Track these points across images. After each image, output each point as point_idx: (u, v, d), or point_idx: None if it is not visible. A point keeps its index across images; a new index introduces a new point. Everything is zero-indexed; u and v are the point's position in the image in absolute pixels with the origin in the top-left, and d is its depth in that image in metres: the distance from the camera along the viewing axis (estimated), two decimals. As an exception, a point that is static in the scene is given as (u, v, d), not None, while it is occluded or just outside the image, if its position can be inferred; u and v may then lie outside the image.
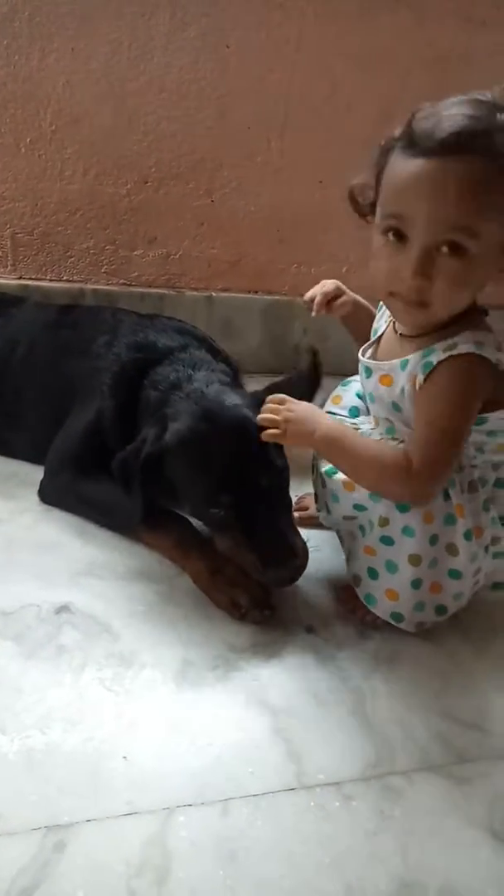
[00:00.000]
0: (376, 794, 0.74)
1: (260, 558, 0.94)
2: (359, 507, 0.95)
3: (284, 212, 1.74)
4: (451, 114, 0.75)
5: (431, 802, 0.74)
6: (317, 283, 1.12)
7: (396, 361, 0.88)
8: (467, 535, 0.89)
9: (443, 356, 0.81)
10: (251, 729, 0.80)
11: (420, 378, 0.83)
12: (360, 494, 0.94)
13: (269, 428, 0.93)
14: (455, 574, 0.92)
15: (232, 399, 1.01)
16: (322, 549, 1.12)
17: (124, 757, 0.74)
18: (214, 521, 0.99)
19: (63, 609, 0.94)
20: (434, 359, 0.82)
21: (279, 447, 1.00)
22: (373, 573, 0.95)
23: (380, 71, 1.63)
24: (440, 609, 0.95)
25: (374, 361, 0.94)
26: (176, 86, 1.55)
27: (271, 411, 0.94)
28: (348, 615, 1.00)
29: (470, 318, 0.84)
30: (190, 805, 0.70)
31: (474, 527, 0.90)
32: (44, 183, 1.59)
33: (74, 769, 0.72)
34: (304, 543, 0.98)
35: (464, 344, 0.81)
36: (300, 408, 0.93)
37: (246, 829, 0.69)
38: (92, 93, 1.52)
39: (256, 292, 1.82)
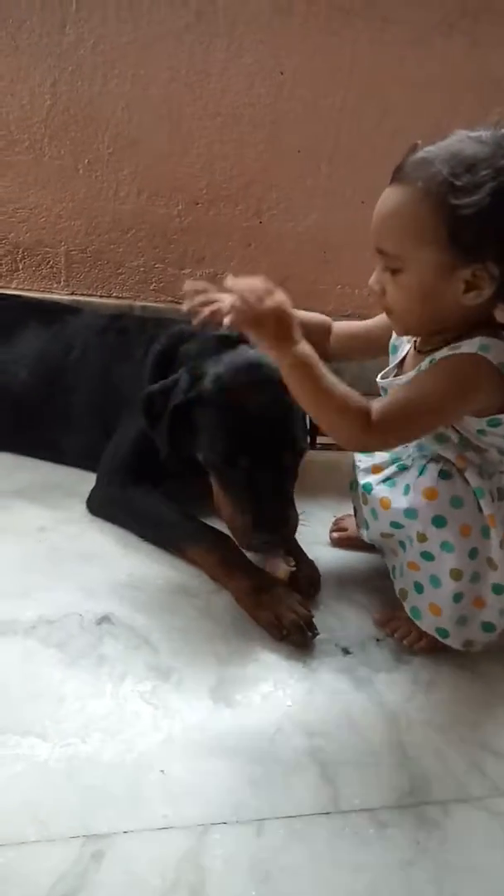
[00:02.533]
0: (412, 824, 0.74)
1: (253, 521, 0.98)
2: (395, 525, 0.96)
3: (330, 233, 1.76)
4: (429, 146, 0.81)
5: (468, 835, 0.73)
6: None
7: (406, 379, 0.92)
8: (502, 544, 0.90)
9: (447, 353, 0.86)
10: (286, 750, 0.80)
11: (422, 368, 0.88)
12: (397, 511, 0.94)
13: (249, 310, 0.76)
14: (498, 589, 0.92)
15: (269, 363, 0.99)
16: (360, 572, 1.12)
17: (162, 770, 0.75)
18: (225, 477, 1.02)
19: (104, 619, 0.96)
20: (438, 356, 0.87)
21: (304, 428, 1.02)
22: (419, 588, 0.96)
23: (432, 97, 1.64)
24: (487, 627, 0.94)
25: (387, 380, 0.98)
26: (230, 110, 1.59)
27: (263, 291, 0.78)
28: (385, 639, 1.00)
29: (484, 332, 0.86)
30: (225, 823, 0.71)
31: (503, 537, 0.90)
32: (99, 203, 1.64)
33: (113, 780, 0.73)
34: (296, 517, 1.01)
35: (468, 345, 0.85)
36: (292, 312, 0.80)
37: (280, 850, 0.69)
38: (149, 117, 1.57)
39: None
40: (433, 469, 0.92)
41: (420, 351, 0.94)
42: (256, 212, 1.71)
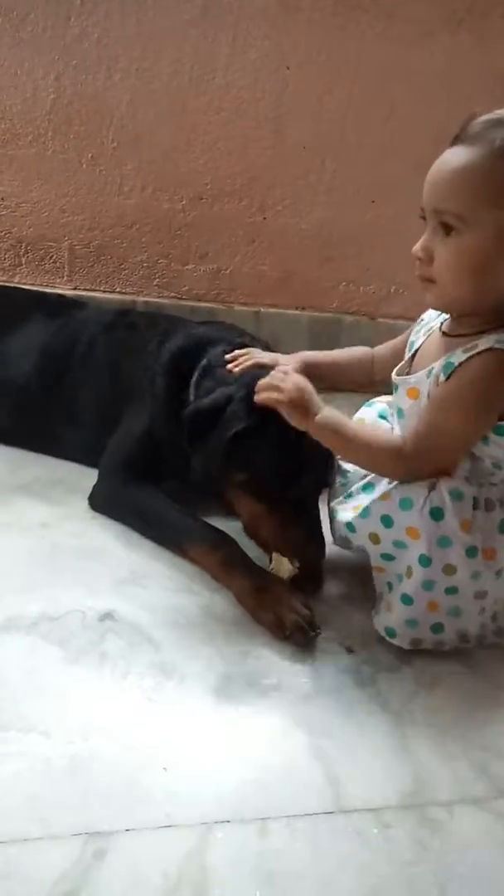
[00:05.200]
0: (415, 824, 0.73)
1: (305, 538, 1.03)
2: (349, 527, 0.97)
3: (334, 230, 1.76)
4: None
5: (472, 837, 0.73)
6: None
7: (423, 372, 0.90)
8: (471, 552, 0.88)
9: (463, 357, 0.84)
10: (288, 748, 0.80)
11: (442, 378, 0.86)
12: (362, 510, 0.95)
13: (272, 389, 0.93)
14: (451, 590, 0.91)
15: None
16: (364, 570, 1.11)
17: (164, 768, 0.75)
18: (272, 502, 1.05)
19: (107, 616, 0.96)
20: (455, 360, 0.84)
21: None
22: (390, 587, 0.97)
23: (438, 93, 1.64)
24: (436, 627, 0.93)
25: (401, 377, 0.96)
26: (235, 105, 1.59)
27: (278, 379, 0.94)
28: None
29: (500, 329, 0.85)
30: (228, 821, 0.70)
31: (485, 547, 0.89)
32: (102, 197, 1.63)
33: (115, 777, 0.73)
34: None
35: (485, 343, 0.83)
36: (305, 384, 0.92)
37: (283, 850, 0.68)
38: (154, 111, 1.56)
39: (304, 309, 1.83)
40: None
41: (447, 334, 0.91)
42: (260, 208, 1.70)
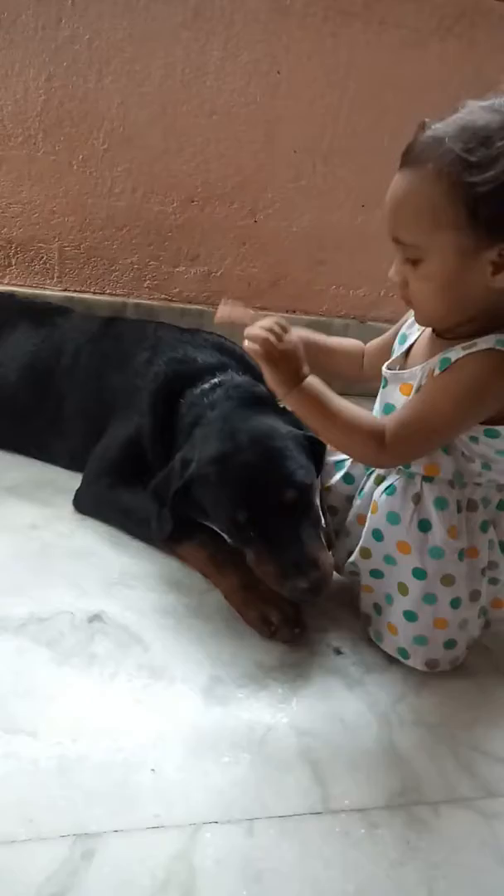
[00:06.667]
0: (402, 824, 0.74)
1: (279, 570, 0.94)
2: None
3: (325, 234, 1.77)
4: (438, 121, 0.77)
5: (459, 836, 0.73)
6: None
7: (417, 367, 0.89)
8: (460, 556, 0.89)
9: (462, 353, 0.82)
10: (277, 750, 0.80)
11: (437, 372, 0.84)
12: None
13: (264, 342, 0.84)
14: (456, 603, 0.91)
15: (258, 421, 1.03)
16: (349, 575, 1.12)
17: (152, 769, 0.75)
18: (238, 537, 1.01)
19: (96, 618, 0.96)
20: (452, 356, 0.83)
21: (305, 463, 1.00)
22: (378, 609, 0.97)
23: (428, 99, 1.65)
24: (449, 644, 0.93)
25: (393, 371, 0.94)
26: (226, 109, 1.59)
27: (272, 332, 0.85)
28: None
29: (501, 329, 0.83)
30: (216, 822, 0.70)
31: (468, 547, 0.90)
32: (93, 199, 1.63)
33: (103, 779, 0.73)
34: (331, 557, 0.98)
35: (485, 342, 0.81)
36: (300, 348, 0.86)
37: (271, 850, 0.68)
38: (145, 114, 1.56)
39: (295, 312, 1.84)
40: (384, 482, 0.93)
41: (440, 335, 0.89)
42: (251, 210, 1.71)
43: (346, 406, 0.86)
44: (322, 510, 1.03)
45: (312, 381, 0.85)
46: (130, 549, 1.12)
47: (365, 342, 1.15)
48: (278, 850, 0.69)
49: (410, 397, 0.89)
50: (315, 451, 1.03)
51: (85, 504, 1.20)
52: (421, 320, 0.89)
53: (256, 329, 0.85)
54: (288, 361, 0.84)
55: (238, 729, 0.82)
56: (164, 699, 0.84)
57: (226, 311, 1.01)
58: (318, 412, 0.85)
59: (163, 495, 1.04)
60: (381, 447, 0.84)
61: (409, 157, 0.78)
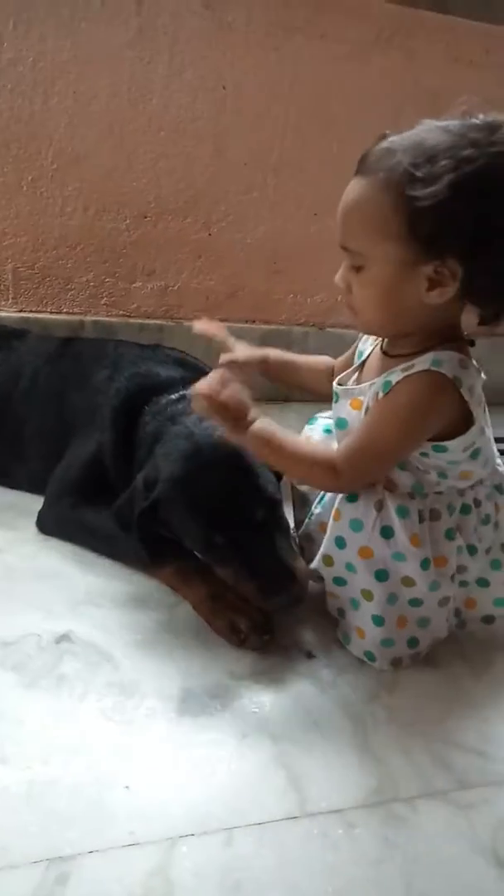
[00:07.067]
0: (379, 822, 0.74)
1: (259, 587, 0.95)
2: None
3: (280, 244, 1.79)
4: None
5: (435, 829, 0.74)
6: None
7: (365, 384, 0.91)
8: (424, 564, 0.90)
9: (401, 376, 0.84)
10: (252, 757, 0.80)
11: (380, 395, 0.87)
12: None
13: (206, 397, 0.87)
14: (416, 602, 0.93)
15: (220, 436, 1.00)
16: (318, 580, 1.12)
17: (126, 787, 0.74)
18: (213, 558, 1.00)
19: (63, 638, 0.95)
20: (393, 378, 0.85)
21: (271, 476, 1.01)
22: (341, 613, 0.98)
23: (372, 109, 1.69)
24: (412, 642, 0.95)
25: (344, 387, 0.97)
26: (174, 125, 1.61)
27: (215, 388, 0.88)
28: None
29: (448, 343, 0.86)
30: (192, 835, 0.70)
31: (436, 556, 0.91)
32: (45, 219, 1.62)
33: (76, 800, 0.72)
34: (305, 566, 0.98)
35: (422, 363, 0.83)
36: (241, 394, 0.89)
37: (250, 858, 0.68)
38: (93, 133, 1.57)
39: (254, 322, 1.85)
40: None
41: (387, 353, 0.92)
42: (205, 224, 1.72)
43: (297, 443, 0.91)
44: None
45: (261, 424, 0.88)
46: (96, 567, 1.11)
47: (325, 349, 1.17)
48: (257, 858, 0.68)
49: (360, 413, 0.92)
50: None
51: (48, 525, 1.18)
52: (362, 327, 0.92)
53: (199, 385, 0.88)
54: (232, 411, 0.87)
55: (213, 739, 0.82)
56: (135, 715, 0.84)
57: (201, 326, 1.10)
58: (271, 452, 0.89)
59: (126, 518, 1.03)
60: (336, 475, 0.87)
61: (363, 166, 0.80)
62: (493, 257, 0.77)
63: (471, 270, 0.77)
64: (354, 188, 0.81)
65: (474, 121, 0.76)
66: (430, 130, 0.77)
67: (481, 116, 0.76)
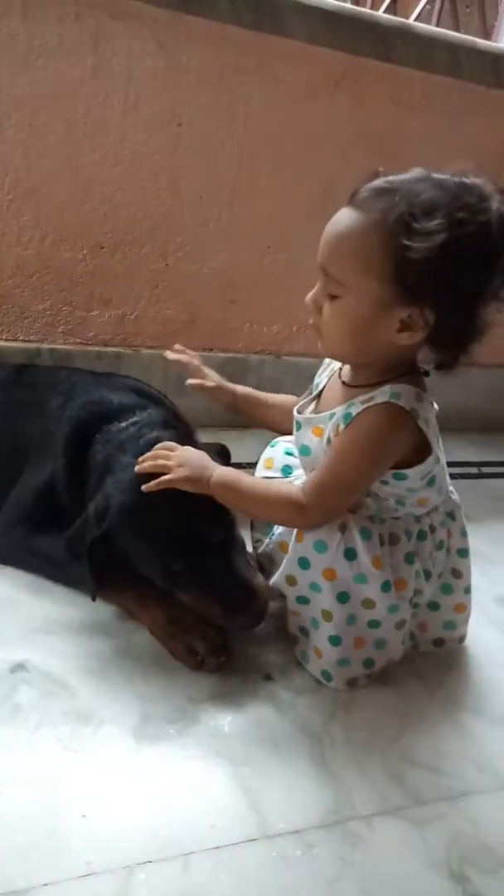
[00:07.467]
0: (337, 841, 0.75)
1: (223, 608, 0.96)
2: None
3: (235, 274, 1.83)
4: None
5: (391, 846, 0.75)
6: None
7: (326, 414, 0.94)
8: (385, 587, 0.92)
9: (361, 408, 0.87)
10: (211, 781, 0.80)
11: (341, 427, 0.89)
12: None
13: (157, 475, 0.92)
14: (374, 623, 0.95)
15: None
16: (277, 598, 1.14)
17: (83, 815, 0.73)
18: (172, 584, 1.00)
19: (18, 667, 0.93)
20: (353, 410, 0.88)
21: None
22: (304, 631, 1.00)
23: (322, 148, 1.76)
24: (367, 663, 0.97)
25: (304, 416, 0.99)
26: (131, 159, 1.64)
27: (162, 458, 0.94)
28: (306, 663, 1.02)
29: (405, 376, 0.89)
30: (150, 862, 0.69)
31: (396, 579, 0.93)
32: (1, 248, 1.63)
33: (32, 831, 0.70)
34: (265, 581, 1.00)
35: (381, 396, 0.87)
36: (192, 454, 0.95)
37: (208, 882, 0.68)
38: (49, 165, 1.59)
39: (212, 350, 1.88)
40: None
41: (346, 384, 0.94)
42: (162, 254, 1.75)
43: (259, 485, 0.96)
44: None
45: (220, 473, 0.93)
46: (52, 594, 1.10)
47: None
48: (215, 882, 0.68)
49: (321, 440, 0.94)
50: None
51: (1, 553, 1.16)
52: (324, 351, 0.94)
53: (149, 460, 0.94)
54: (188, 480, 0.92)
55: (171, 765, 0.82)
56: (92, 743, 0.83)
57: (174, 354, 1.17)
58: (235, 499, 0.94)
59: (77, 547, 1.01)
60: (301, 511, 0.90)
61: (359, 199, 0.82)
62: (464, 317, 0.81)
63: (442, 323, 0.81)
64: (347, 218, 0.82)
65: (467, 182, 0.79)
66: (427, 181, 0.80)
67: (472, 179, 0.80)
